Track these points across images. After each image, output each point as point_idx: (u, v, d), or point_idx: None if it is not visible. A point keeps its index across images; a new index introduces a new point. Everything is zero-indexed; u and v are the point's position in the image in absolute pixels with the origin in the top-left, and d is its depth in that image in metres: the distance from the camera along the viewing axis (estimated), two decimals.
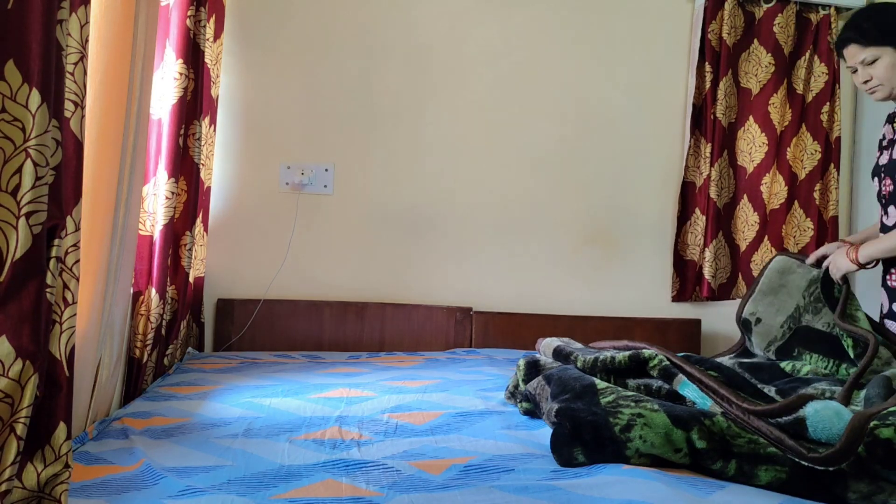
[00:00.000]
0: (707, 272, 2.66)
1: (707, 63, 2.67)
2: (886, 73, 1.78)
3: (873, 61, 1.78)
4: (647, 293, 2.72)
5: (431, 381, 1.86)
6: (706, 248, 2.67)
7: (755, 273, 2.70)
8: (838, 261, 1.85)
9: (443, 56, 2.60)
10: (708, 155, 2.68)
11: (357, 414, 1.48)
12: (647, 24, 2.72)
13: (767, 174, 2.72)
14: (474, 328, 2.57)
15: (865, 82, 1.81)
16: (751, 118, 2.73)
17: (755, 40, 2.72)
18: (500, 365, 2.14)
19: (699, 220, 2.70)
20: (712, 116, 2.67)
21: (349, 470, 1.11)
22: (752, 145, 2.73)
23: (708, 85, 2.67)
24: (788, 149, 2.74)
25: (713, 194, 2.66)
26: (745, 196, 2.74)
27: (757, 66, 2.72)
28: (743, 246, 2.74)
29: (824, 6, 2.72)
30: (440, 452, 1.22)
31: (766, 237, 2.74)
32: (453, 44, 2.61)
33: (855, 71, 1.83)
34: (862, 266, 1.81)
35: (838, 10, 2.72)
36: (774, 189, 2.74)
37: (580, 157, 2.68)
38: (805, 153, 2.75)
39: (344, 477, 1.07)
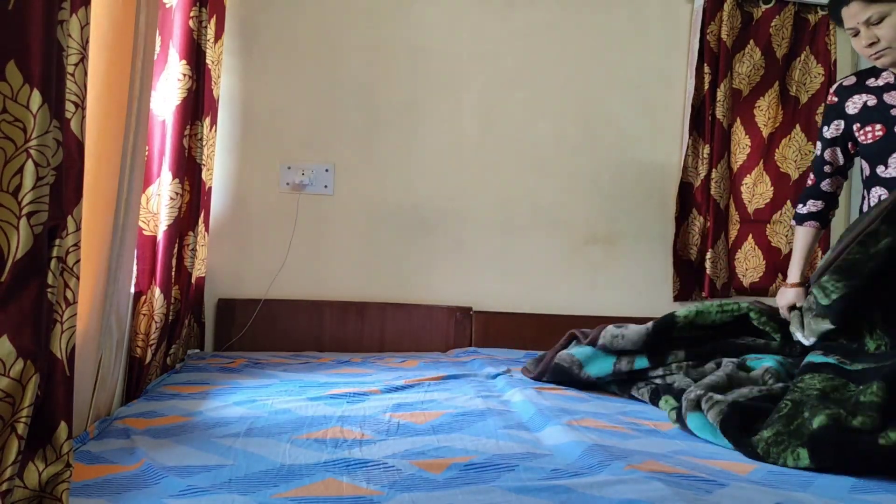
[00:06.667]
0: (710, 272, 2.67)
1: (706, 64, 2.67)
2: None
3: (880, 20, 1.57)
4: (648, 293, 2.72)
5: (432, 380, 1.86)
6: (708, 249, 2.67)
7: (738, 272, 2.73)
8: (780, 299, 1.93)
9: (443, 56, 2.60)
10: (706, 156, 2.68)
11: (359, 413, 1.48)
12: (646, 24, 2.72)
13: (749, 175, 2.74)
14: (474, 328, 2.57)
15: (871, 45, 1.61)
16: (739, 119, 2.74)
17: (751, 41, 2.72)
18: (500, 365, 2.14)
19: (697, 221, 2.71)
20: (710, 118, 2.67)
21: (350, 469, 1.11)
22: (737, 147, 2.74)
23: (707, 86, 2.67)
24: (777, 150, 2.74)
25: (715, 195, 2.67)
26: (733, 196, 2.76)
27: (750, 67, 2.72)
28: (731, 244, 2.77)
29: (823, 7, 2.72)
30: (441, 452, 1.22)
31: (750, 235, 2.74)
32: (453, 44, 2.61)
33: (856, 34, 1.63)
34: (800, 284, 1.88)
35: None
36: (760, 189, 2.75)
37: (580, 157, 2.69)
38: (799, 154, 2.75)
39: (345, 476, 1.07)
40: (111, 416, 1.44)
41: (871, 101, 1.76)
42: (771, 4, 2.71)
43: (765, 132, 2.74)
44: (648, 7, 2.73)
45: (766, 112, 2.74)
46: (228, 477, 1.06)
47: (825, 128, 1.89)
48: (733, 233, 2.75)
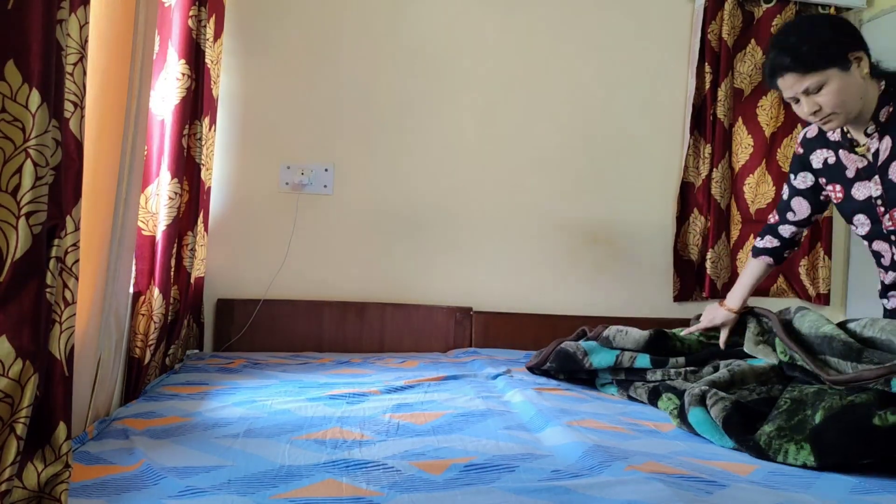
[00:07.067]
0: (710, 272, 2.66)
1: (707, 64, 2.67)
2: (839, 98, 1.50)
3: (819, 88, 1.50)
4: (649, 293, 2.72)
5: (432, 381, 1.86)
6: (709, 249, 2.67)
7: (740, 272, 2.72)
8: (709, 313, 1.92)
9: (443, 56, 2.60)
10: (707, 156, 2.68)
11: (358, 414, 1.48)
12: (647, 24, 2.72)
13: (752, 175, 2.73)
14: (474, 328, 2.57)
15: (814, 113, 1.53)
16: (741, 119, 2.74)
17: (752, 40, 2.72)
18: (500, 365, 2.14)
19: (697, 221, 2.71)
20: (712, 117, 2.67)
21: (350, 470, 1.10)
22: (739, 146, 2.74)
23: (707, 85, 2.67)
24: (779, 150, 2.74)
25: (716, 195, 2.67)
26: (735, 195, 2.76)
27: (751, 67, 2.72)
28: (733, 244, 2.76)
29: (824, 6, 2.72)
30: (441, 452, 1.22)
31: (752, 235, 2.74)
32: (453, 44, 2.61)
33: (797, 101, 1.56)
34: (735, 312, 1.86)
35: (838, 9, 2.72)
36: (762, 189, 2.75)
37: (580, 157, 2.68)
38: None
39: (344, 477, 1.07)
40: (110, 416, 1.44)
41: (831, 158, 1.72)
42: (772, 3, 2.70)
43: (767, 132, 2.74)
44: (649, 6, 2.73)
45: (768, 111, 2.74)
46: (227, 478, 1.06)
47: (792, 176, 1.82)
48: (735, 233, 2.75)
